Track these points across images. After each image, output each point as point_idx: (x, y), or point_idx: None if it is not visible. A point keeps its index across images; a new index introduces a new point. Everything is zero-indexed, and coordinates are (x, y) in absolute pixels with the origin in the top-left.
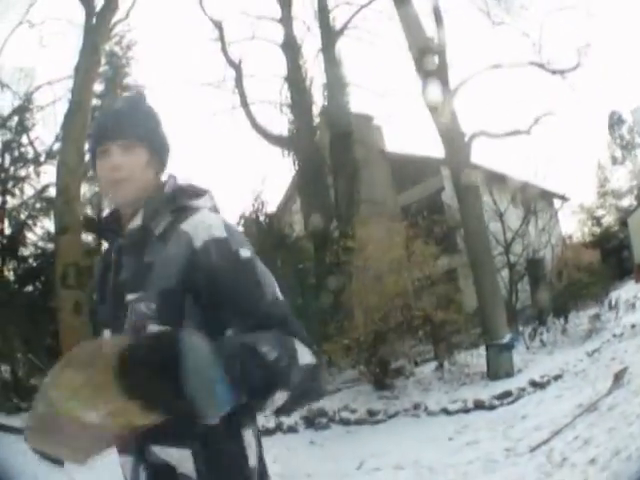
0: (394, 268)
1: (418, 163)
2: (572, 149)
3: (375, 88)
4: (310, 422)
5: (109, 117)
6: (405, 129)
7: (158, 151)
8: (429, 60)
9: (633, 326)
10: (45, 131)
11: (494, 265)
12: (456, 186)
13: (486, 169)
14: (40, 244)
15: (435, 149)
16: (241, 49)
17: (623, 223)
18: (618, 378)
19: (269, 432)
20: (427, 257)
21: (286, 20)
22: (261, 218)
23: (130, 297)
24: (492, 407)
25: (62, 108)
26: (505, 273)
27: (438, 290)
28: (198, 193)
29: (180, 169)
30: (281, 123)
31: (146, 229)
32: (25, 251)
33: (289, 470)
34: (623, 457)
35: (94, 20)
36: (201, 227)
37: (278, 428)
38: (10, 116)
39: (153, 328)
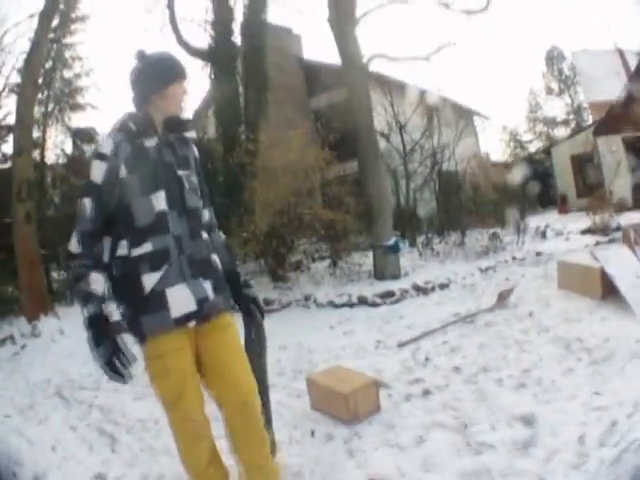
0: (289, 170)
1: (330, 71)
2: (504, 75)
3: (294, 6)
4: None
5: (180, 64)
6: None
7: None
8: None
9: (538, 254)
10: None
11: (380, 171)
12: (350, 92)
13: (388, 78)
14: None
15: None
16: None
17: (548, 152)
18: (502, 297)
19: None
20: (320, 162)
21: None
22: None
23: (181, 172)
24: (375, 304)
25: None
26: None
27: (331, 192)
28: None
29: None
30: (204, 39)
31: (174, 132)
32: None
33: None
34: (492, 377)
35: None
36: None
37: None
38: None
39: (198, 192)
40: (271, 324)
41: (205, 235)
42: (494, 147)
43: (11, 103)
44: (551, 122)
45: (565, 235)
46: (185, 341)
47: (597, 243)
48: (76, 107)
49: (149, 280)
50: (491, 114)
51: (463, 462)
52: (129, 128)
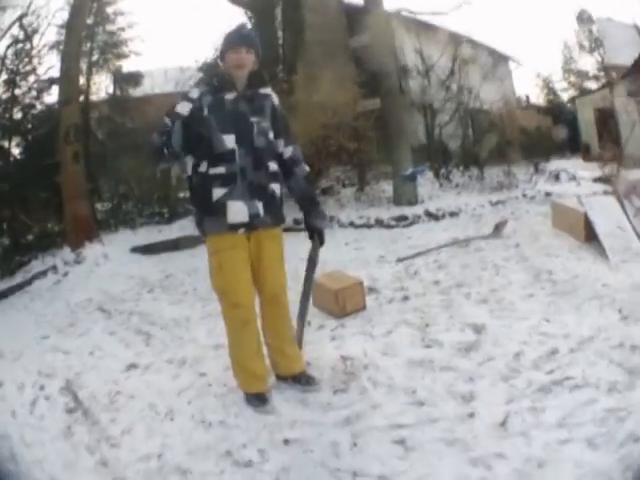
0: (319, 107)
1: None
2: (541, 28)
3: None
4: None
5: (242, 33)
6: None
7: (257, 55)
8: None
9: (548, 194)
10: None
11: (399, 108)
12: (372, 36)
13: (415, 19)
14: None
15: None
16: None
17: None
18: (498, 228)
19: None
20: (349, 99)
21: None
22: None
23: (254, 119)
24: (389, 226)
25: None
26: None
27: (358, 125)
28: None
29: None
30: None
31: (252, 89)
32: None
33: None
34: (463, 292)
35: None
36: (272, 94)
37: None
38: (12, 24)
39: (270, 134)
40: (297, 241)
41: (273, 167)
42: (530, 92)
43: (52, 58)
44: (584, 75)
45: (577, 181)
46: (238, 243)
47: (605, 192)
48: (120, 56)
49: (217, 192)
50: (525, 61)
51: (414, 352)
52: (212, 83)
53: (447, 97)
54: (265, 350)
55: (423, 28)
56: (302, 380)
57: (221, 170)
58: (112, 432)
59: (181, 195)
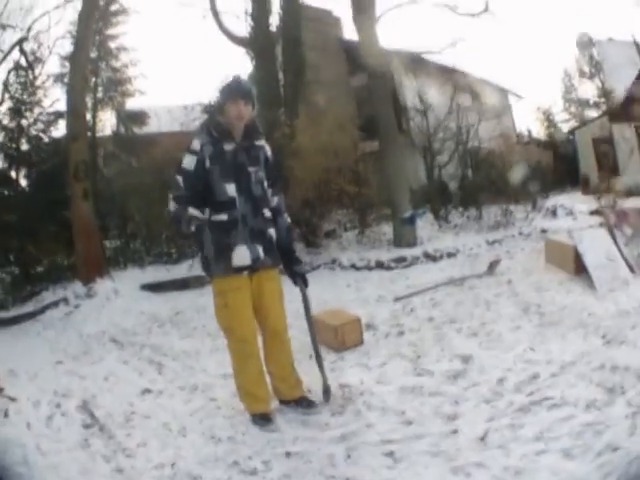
0: (321, 150)
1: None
2: (540, 58)
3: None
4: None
5: (241, 87)
6: None
7: (253, 106)
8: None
9: (543, 231)
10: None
11: (397, 150)
12: (370, 77)
13: (414, 57)
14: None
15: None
16: None
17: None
18: (492, 266)
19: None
20: (349, 143)
21: None
22: None
23: (251, 169)
24: (389, 268)
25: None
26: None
27: (358, 169)
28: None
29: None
30: (244, 28)
31: (248, 140)
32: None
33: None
34: (455, 327)
35: None
36: (266, 146)
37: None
38: (12, 48)
39: (265, 183)
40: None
41: (267, 213)
42: (532, 126)
43: (57, 90)
44: (584, 104)
45: (574, 215)
46: (242, 284)
47: (601, 224)
48: (125, 94)
49: (221, 238)
50: (526, 94)
51: (406, 380)
52: (212, 134)
53: (446, 137)
54: (268, 378)
55: (421, 66)
56: (303, 404)
57: (224, 217)
58: (128, 445)
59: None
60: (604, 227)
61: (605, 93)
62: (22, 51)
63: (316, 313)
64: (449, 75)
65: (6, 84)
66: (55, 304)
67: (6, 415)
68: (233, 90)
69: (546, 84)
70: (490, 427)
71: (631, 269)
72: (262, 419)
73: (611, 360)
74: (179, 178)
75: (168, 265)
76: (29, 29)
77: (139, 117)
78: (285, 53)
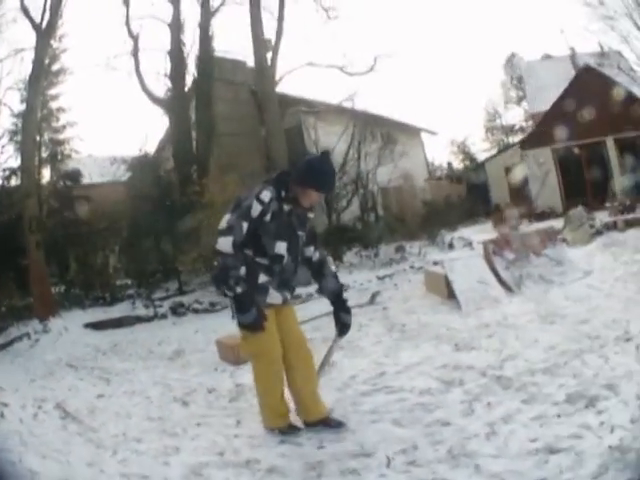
0: (229, 201)
1: (281, 101)
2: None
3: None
4: (174, 311)
5: (332, 186)
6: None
7: None
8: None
9: (435, 263)
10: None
11: None
12: (267, 132)
13: (317, 102)
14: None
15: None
16: (139, 26)
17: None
18: (373, 297)
19: (149, 319)
20: None
21: (175, 2)
22: (145, 161)
23: (300, 233)
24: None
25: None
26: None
27: None
28: None
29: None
30: (162, 88)
31: (302, 208)
32: None
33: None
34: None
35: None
36: (310, 214)
37: (155, 316)
38: None
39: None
40: (215, 320)
41: (300, 269)
42: (446, 160)
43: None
44: (509, 130)
45: (472, 245)
46: (272, 315)
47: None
48: (65, 157)
49: (262, 278)
50: (440, 129)
51: None
52: (281, 195)
53: (346, 181)
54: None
55: (323, 112)
56: (332, 423)
57: (266, 262)
58: (93, 425)
59: (118, 283)
60: (481, 256)
61: (533, 116)
62: None
63: (219, 337)
64: (352, 120)
65: None
66: (19, 338)
67: (2, 416)
68: (326, 185)
69: (467, 116)
70: (336, 405)
71: (509, 289)
72: (291, 429)
73: (455, 361)
74: (244, 224)
75: (104, 307)
76: None
77: (74, 175)
78: (198, 111)
